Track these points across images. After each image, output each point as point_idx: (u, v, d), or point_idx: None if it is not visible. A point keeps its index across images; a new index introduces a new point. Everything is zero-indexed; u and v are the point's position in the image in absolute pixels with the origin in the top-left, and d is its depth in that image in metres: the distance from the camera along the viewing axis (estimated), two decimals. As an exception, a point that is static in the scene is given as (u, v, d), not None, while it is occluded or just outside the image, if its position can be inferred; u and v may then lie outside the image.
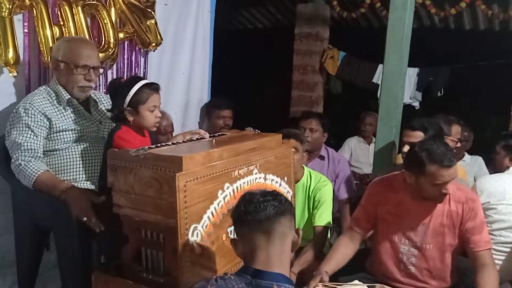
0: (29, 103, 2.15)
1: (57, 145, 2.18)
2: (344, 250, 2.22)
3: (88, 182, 2.20)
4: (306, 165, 3.19)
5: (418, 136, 2.58)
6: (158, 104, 2.12)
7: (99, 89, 2.80)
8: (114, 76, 2.91)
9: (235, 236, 1.49)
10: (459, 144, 3.13)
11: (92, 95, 2.36)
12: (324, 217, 2.54)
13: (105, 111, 2.33)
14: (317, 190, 2.60)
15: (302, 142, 2.59)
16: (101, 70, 2.43)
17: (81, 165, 2.22)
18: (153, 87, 2.09)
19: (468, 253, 2.14)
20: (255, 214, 1.38)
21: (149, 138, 2.19)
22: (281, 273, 1.37)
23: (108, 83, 2.67)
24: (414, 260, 2.16)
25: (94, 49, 2.32)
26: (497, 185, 2.53)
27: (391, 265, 2.21)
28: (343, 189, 3.19)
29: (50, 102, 2.21)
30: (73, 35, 2.54)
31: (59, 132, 2.18)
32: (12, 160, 2.09)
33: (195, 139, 2.10)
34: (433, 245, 2.13)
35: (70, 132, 2.20)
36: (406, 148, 2.55)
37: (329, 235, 2.72)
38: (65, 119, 2.21)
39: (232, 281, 1.35)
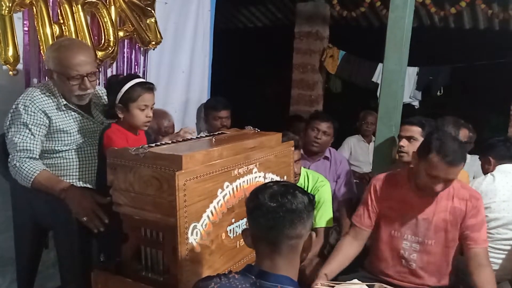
0: (30, 99, 2.09)
1: (58, 146, 2.15)
2: (347, 251, 2.22)
3: (90, 184, 2.19)
4: (309, 167, 3.20)
5: (415, 130, 2.60)
6: (150, 104, 2.10)
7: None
8: (114, 75, 2.90)
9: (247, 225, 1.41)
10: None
11: (95, 93, 2.31)
12: (324, 218, 2.53)
13: None
14: (315, 190, 2.59)
15: (297, 148, 2.55)
16: (99, 71, 2.36)
17: (84, 167, 2.20)
18: (146, 86, 2.08)
19: (464, 250, 2.14)
20: (264, 221, 1.31)
21: (144, 137, 2.18)
22: (287, 276, 1.33)
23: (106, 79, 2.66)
24: (416, 256, 2.17)
25: (86, 53, 2.14)
26: (487, 184, 2.58)
27: (392, 261, 2.22)
28: (343, 189, 3.20)
29: (51, 99, 2.15)
30: (73, 33, 2.53)
31: (59, 132, 2.14)
32: (9, 160, 2.07)
33: (181, 140, 2.06)
34: (436, 241, 2.14)
35: (70, 134, 2.17)
36: (403, 143, 2.57)
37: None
38: (65, 118, 2.17)
39: (236, 280, 1.33)
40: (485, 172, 2.77)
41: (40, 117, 2.09)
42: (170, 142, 1.89)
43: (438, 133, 2.11)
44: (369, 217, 2.26)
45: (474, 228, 2.10)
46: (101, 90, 2.42)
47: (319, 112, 4.29)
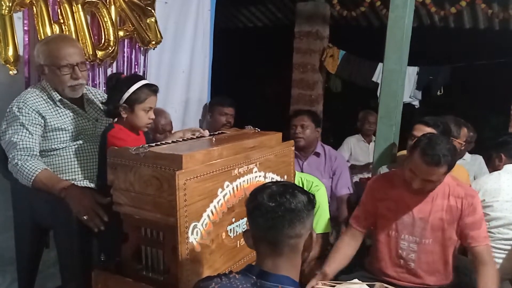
0: (23, 101, 2.13)
1: (54, 144, 2.17)
2: (345, 250, 2.22)
3: (87, 181, 2.20)
4: (303, 164, 3.20)
5: (429, 131, 2.59)
6: (154, 106, 2.13)
7: (99, 86, 2.80)
8: (114, 75, 2.90)
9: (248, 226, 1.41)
10: (463, 147, 3.15)
11: (87, 92, 2.35)
12: (321, 224, 2.51)
13: (101, 108, 2.32)
14: None
15: None
16: (92, 65, 2.36)
17: (79, 164, 2.21)
18: (152, 89, 2.11)
19: (467, 249, 2.16)
20: (263, 221, 1.31)
21: (143, 137, 2.19)
22: (288, 276, 1.32)
23: (107, 77, 2.66)
24: (414, 256, 2.17)
25: (75, 45, 2.25)
26: (492, 182, 2.57)
27: (390, 261, 2.22)
28: (340, 185, 3.19)
29: (44, 100, 2.18)
30: (73, 33, 2.54)
31: (54, 130, 2.16)
32: (9, 160, 2.08)
33: (195, 137, 2.10)
34: (433, 240, 2.15)
35: (66, 131, 2.18)
36: None
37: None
38: (60, 117, 2.19)
39: (237, 280, 1.33)
40: (495, 168, 2.76)
41: (35, 117, 2.12)
42: (170, 141, 1.90)
43: (434, 134, 2.13)
44: (365, 218, 2.27)
45: (473, 226, 2.10)
46: (94, 90, 2.46)
47: (294, 110, 4.33)
